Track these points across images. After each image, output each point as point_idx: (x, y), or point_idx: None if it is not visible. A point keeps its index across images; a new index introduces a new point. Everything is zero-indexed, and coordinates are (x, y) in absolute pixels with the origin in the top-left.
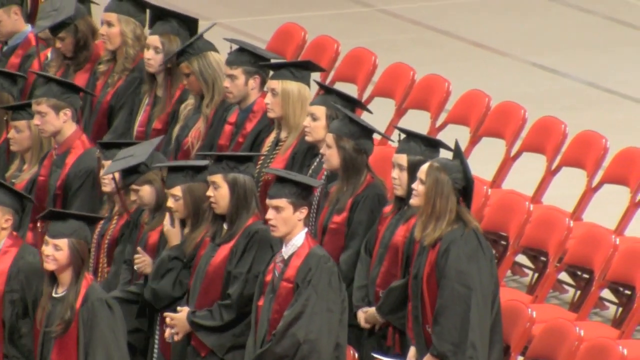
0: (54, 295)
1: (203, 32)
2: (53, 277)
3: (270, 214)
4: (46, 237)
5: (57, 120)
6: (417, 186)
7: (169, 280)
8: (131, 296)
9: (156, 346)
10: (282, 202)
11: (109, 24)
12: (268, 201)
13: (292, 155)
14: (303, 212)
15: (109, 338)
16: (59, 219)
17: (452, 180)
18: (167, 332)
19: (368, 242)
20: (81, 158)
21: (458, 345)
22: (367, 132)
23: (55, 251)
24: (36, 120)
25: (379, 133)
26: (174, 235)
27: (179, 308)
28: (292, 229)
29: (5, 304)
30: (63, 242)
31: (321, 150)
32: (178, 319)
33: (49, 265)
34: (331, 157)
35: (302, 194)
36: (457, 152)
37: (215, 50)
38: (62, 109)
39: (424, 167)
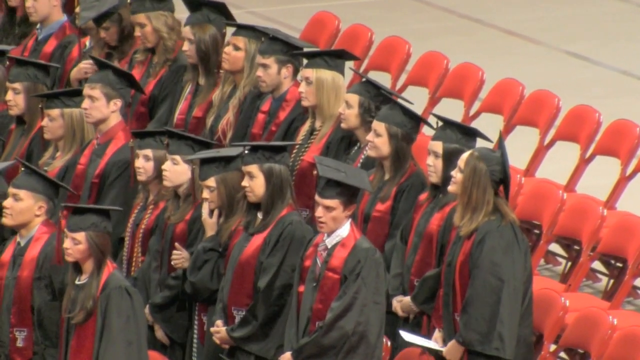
0: (76, 282)
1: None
2: (77, 266)
3: (320, 212)
4: (65, 230)
5: (106, 109)
6: (456, 174)
7: (207, 272)
8: (168, 300)
9: (195, 337)
10: (334, 202)
11: (141, 25)
12: (319, 199)
13: (326, 145)
14: (351, 209)
15: (124, 325)
16: (77, 213)
17: (489, 172)
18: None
19: (404, 230)
20: (122, 149)
21: (485, 335)
22: (417, 121)
23: (74, 245)
24: (85, 104)
25: (428, 124)
26: (210, 225)
27: (217, 322)
28: (340, 224)
29: (34, 290)
30: (81, 236)
31: (368, 137)
32: (221, 337)
33: (68, 258)
34: (382, 145)
35: (354, 193)
36: (500, 145)
37: None
38: (114, 98)
39: (465, 155)
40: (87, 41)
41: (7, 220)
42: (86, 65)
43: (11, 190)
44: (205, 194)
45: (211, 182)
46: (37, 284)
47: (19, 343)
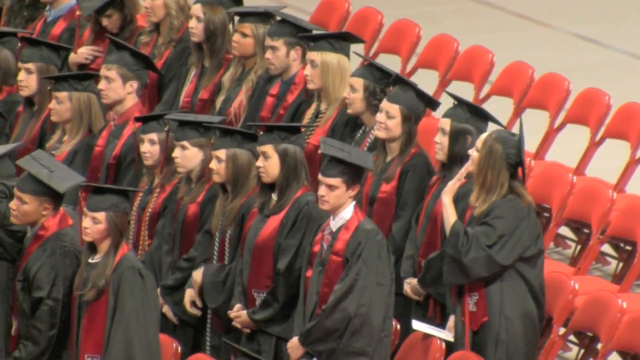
0: (90, 261)
1: (276, 10)
2: (92, 245)
3: (323, 191)
4: (85, 210)
5: (122, 90)
6: (473, 152)
7: (227, 290)
8: (179, 282)
9: (208, 322)
10: (336, 181)
11: None
12: (322, 178)
13: (332, 127)
14: (355, 189)
15: (137, 305)
16: (97, 192)
17: (506, 154)
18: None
19: (418, 211)
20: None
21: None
22: (430, 104)
23: (94, 224)
24: (101, 85)
25: (431, 103)
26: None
27: (236, 306)
28: (342, 204)
29: (18, 289)
30: (101, 216)
31: (379, 119)
32: (242, 321)
33: (86, 238)
34: (394, 127)
35: (357, 173)
36: (519, 129)
37: None
38: (130, 80)
39: (483, 135)
40: None
41: (15, 220)
42: (87, 50)
43: (16, 192)
44: (213, 164)
45: (221, 153)
46: (19, 285)
47: (13, 332)
